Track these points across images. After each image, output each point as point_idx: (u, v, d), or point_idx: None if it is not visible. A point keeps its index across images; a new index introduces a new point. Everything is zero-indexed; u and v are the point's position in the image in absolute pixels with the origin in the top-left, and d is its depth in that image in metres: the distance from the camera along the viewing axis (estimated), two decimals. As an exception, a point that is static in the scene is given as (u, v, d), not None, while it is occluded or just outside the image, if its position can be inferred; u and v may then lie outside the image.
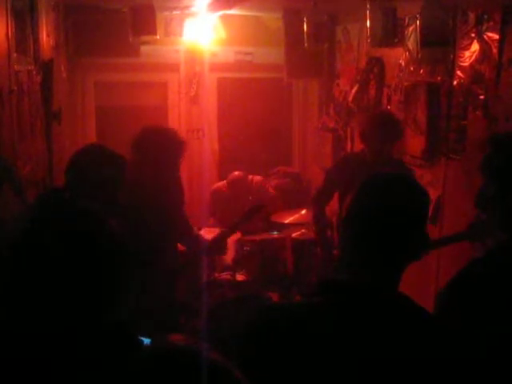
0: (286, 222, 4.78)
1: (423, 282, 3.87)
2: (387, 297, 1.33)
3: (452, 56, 3.64)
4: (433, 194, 3.82)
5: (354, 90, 4.98)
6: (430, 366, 1.26)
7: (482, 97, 3.36)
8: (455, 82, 3.62)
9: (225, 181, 5.47)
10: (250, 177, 5.43)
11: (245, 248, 4.39)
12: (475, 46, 3.41)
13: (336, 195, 3.95)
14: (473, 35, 3.42)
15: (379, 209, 1.34)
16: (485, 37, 3.31)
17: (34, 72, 3.42)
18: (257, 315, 1.37)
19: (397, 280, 1.37)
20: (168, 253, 3.23)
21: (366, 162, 3.64)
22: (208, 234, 4.50)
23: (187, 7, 5.10)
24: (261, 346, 1.30)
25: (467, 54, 3.48)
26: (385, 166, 3.43)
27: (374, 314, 1.28)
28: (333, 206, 4.08)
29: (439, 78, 3.79)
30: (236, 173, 5.35)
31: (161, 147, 3.04)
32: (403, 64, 4.23)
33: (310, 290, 1.37)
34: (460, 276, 1.61)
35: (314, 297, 1.33)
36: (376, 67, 4.64)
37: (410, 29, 4.04)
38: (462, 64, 3.55)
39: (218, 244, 3.52)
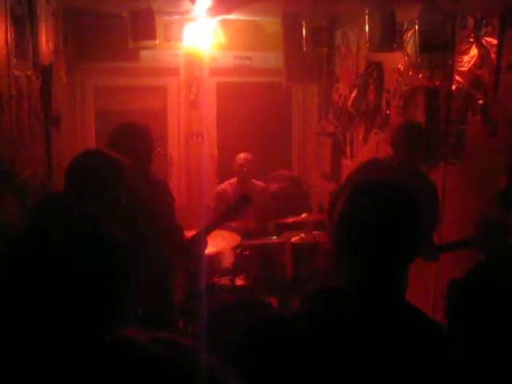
0: (290, 221, 4.74)
1: (422, 286, 3.87)
2: (387, 302, 1.32)
3: (451, 61, 3.64)
4: (432, 199, 3.82)
5: (353, 95, 4.99)
6: (433, 370, 1.26)
7: (480, 101, 3.37)
8: (454, 87, 3.62)
9: (227, 182, 5.43)
10: (254, 181, 5.41)
11: (244, 253, 4.39)
12: (474, 51, 3.41)
13: None
14: (471, 40, 3.43)
15: (372, 214, 1.33)
16: (483, 42, 3.32)
17: (34, 77, 3.42)
18: (257, 325, 1.36)
19: (396, 284, 1.36)
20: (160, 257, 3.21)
21: (392, 170, 3.48)
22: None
23: (186, 12, 5.11)
24: (261, 356, 1.30)
25: (466, 58, 3.49)
26: (409, 176, 3.29)
27: (374, 320, 1.28)
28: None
29: (438, 83, 3.80)
30: (242, 155, 5.28)
31: (131, 143, 3.09)
32: (402, 69, 4.24)
33: (308, 297, 1.36)
34: (469, 278, 1.61)
35: (313, 304, 1.33)
36: (375, 72, 4.65)
37: (409, 33, 4.05)
38: (460, 69, 3.55)
39: (198, 239, 3.45)
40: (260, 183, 5.43)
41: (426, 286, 3.89)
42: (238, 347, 1.35)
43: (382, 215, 1.33)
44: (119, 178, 2.46)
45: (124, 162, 2.51)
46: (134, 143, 3.11)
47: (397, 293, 1.37)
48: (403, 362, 1.26)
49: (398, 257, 1.35)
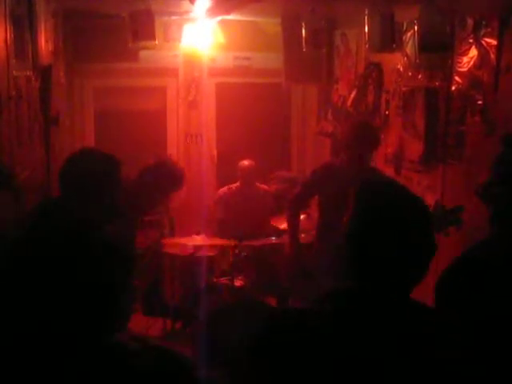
0: (282, 227, 4.75)
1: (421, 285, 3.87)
2: (399, 304, 1.33)
3: (450, 61, 3.64)
4: (431, 199, 3.82)
5: (352, 95, 4.99)
6: (444, 371, 1.26)
7: (480, 102, 3.37)
8: (453, 88, 3.62)
9: (229, 186, 5.42)
10: (258, 185, 5.41)
11: (243, 253, 4.39)
12: (473, 52, 3.41)
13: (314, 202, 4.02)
14: (471, 41, 3.43)
15: (381, 223, 1.35)
16: (483, 42, 3.32)
17: (33, 78, 3.42)
18: (267, 324, 1.36)
19: (407, 288, 1.38)
20: None
21: (343, 171, 3.67)
22: (205, 240, 4.50)
23: (186, 12, 5.11)
24: (273, 355, 1.29)
25: (465, 59, 3.49)
26: (361, 174, 3.45)
27: (385, 321, 1.29)
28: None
29: (437, 84, 3.80)
30: (246, 162, 5.31)
31: (163, 183, 3.15)
32: (401, 69, 4.24)
33: (320, 297, 1.36)
34: (456, 264, 1.66)
35: (324, 304, 1.33)
36: (374, 72, 4.65)
37: (408, 34, 4.05)
38: (460, 69, 3.55)
39: None
40: (263, 186, 5.44)
41: (426, 284, 3.89)
42: (247, 347, 1.35)
43: (394, 219, 1.35)
44: (113, 175, 2.45)
45: (115, 157, 2.49)
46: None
47: (408, 294, 1.38)
48: (414, 362, 1.26)
49: (411, 259, 1.37)
